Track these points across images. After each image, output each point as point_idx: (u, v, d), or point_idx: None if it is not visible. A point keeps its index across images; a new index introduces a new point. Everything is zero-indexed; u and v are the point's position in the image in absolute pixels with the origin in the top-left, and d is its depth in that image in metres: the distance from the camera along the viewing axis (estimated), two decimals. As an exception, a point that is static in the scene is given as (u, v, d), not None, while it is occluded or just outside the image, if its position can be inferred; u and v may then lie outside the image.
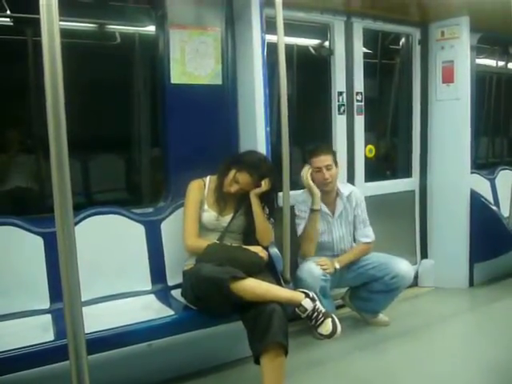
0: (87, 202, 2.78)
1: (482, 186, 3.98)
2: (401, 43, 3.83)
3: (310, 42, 3.45)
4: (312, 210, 2.85)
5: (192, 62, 2.69)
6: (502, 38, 4.04)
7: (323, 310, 2.11)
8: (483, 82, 4.47)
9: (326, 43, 3.38)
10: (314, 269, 2.74)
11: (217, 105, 2.78)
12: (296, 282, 2.70)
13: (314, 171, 2.86)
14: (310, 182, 2.85)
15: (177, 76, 2.66)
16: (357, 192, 3.03)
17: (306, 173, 2.87)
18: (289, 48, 2.76)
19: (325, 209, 2.93)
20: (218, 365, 2.50)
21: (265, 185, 2.44)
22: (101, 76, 2.73)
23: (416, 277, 3.74)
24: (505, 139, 4.90)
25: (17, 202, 2.72)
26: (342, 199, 2.97)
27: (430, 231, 3.84)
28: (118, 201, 2.71)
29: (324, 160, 2.84)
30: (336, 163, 2.91)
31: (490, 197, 3.99)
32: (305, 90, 3.37)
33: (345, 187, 3.02)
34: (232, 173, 2.45)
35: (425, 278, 3.81)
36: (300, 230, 2.90)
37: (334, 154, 2.94)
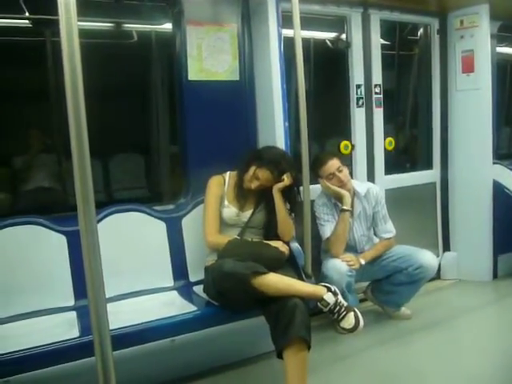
0: (109, 200, 2.81)
1: (504, 176, 3.89)
2: (419, 34, 3.77)
3: (327, 35, 3.42)
4: (343, 211, 2.81)
5: (209, 58, 2.69)
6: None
7: (345, 304, 2.10)
8: (504, 70, 4.37)
9: (343, 36, 3.34)
10: (339, 265, 2.73)
11: (234, 101, 2.78)
12: (321, 279, 2.69)
13: (328, 179, 2.82)
14: (335, 188, 2.81)
15: (194, 73, 2.67)
16: (374, 189, 2.99)
17: (325, 183, 2.83)
18: (305, 42, 2.74)
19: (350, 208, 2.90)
20: (240, 360, 2.51)
21: (287, 179, 2.43)
22: (118, 75, 2.76)
23: (438, 269, 3.68)
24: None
25: (40, 201, 2.76)
26: (360, 198, 2.94)
27: (452, 223, 3.78)
28: (139, 198, 2.73)
29: (333, 164, 2.81)
30: (343, 163, 2.88)
31: (513, 187, 3.91)
32: (322, 84, 3.34)
33: (361, 186, 2.97)
34: (252, 169, 2.45)
35: (447, 270, 3.76)
36: (326, 232, 2.87)
37: (335, 155, 2.92)
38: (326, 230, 2.87)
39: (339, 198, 2.83)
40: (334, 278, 2.66)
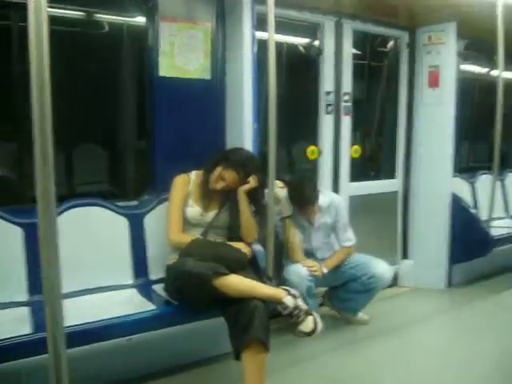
0: (70, 193, 2.74)
1: (463, 189, 4.05)
2: (389, 46, 3.86)
3: (300, 41, 3.45)
4: (282, 218, 2.85)
5: (181, 55, 2.66)
6: (488, 45, 4.10)
7: (305, 308, 2.11)
8: (468, 87, 4.53)
9: (316, 42, 3.39)
10: (300, 270, 2.79)
11: (205, 100, 2.76)
12: (283, 283, 2.71)
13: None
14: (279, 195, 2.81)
15: (165, 69, 2.63)
16: (336, 200, 3.04)
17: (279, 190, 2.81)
18: (278, 46, 2.75)
19: (303, 222, 2.96)
20: (199, 360, 2.50)
21: (253, 181, 2.43)
22: (87, 65, 2.69)
23: (396, 277, 3.79)
24: (486, 144, 4.97)
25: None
26: (322, 211, 2.98)
27: (411, 232, 3.90)
28: (102, 193, 2.67)
29: (312, 212, 2.90)
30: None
31: (470, 200, 4.06)
32: (293, 89, 3.37)
33: (324, 197, 2.99)
34: (218, 170, 2.44)
35: (404, 278, 3.87)
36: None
37: (317, 196, 2.92)
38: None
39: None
40: (294, 281, 2.70)
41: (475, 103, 4.71)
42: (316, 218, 2.98)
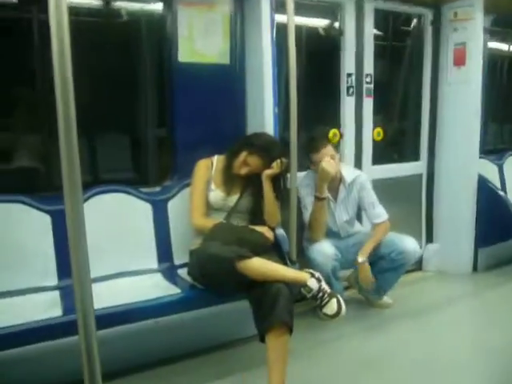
0: (94, 181, 2.79)
1: (489, 171, 3.95)
2: (412, 24, 3.76)
3: (320, 23, 3.40)
4: (317, 198, 2.83)
5: (200, 40, 2.66)
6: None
7: (329, 291, 2.12)
8: (495, 65, 4.40)
9: (336, 24, 3.33)
10: (325, 248, 2.75)
11: (225, 85, 2.75)
12: (307, 262, 2.72)
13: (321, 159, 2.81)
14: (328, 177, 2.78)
15: (185, 54, 2.63)
16: (361, 176, 3.00)
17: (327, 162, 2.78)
18: (298, 28, 2.71)
19: (327, 195, 2.92)
20: (223, 343, 2.53)
21: (277, 166, 2.43)
22: (107, 55, 2.70)
23: (420, 261, 3.75)
24: (514, 125, 4.84)
25: (25, 180, 2.72)
26: (345, 185, 2.96)
27: (436, 216, 3.83)
28: (126, 180, 2.71)
29: (326, 153, 2.81)
30: (336, 149, 2.90)
31: (497, 182, 3.97)
32: (313, 72, 3.32)
33: (349, 173, 2.98)
34: (243, 155, 2.45)
35: (429, 262, 3.82)
36: (306, 217, 2.89)
37: (330, 141, 2.92)
38: (307, 215, 2.88)
39: (322, 180, 2.81)
40: (319, 261, 2.69)
41: (503, 82, 4.58)
42: (339, 191, 2.95)
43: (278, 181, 2.49)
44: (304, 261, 2.74)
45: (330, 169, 2.77)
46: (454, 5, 3.54)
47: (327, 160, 2.78)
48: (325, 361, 2.44)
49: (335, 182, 2.94)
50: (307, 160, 2.90)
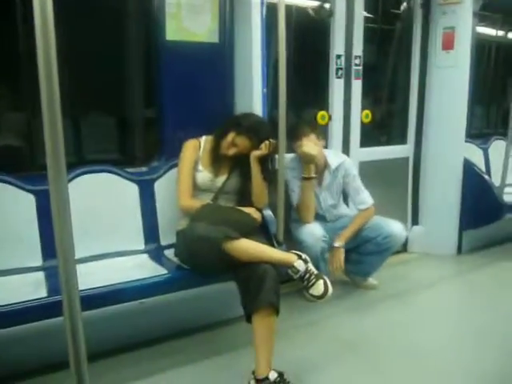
0: (79, 161, 2.74)
1: (475, 155, 3.99)
2: (402, 7, 3.74)
3: (310, 3, 3.35)
4: (304, 178, 2.83)
5: (188, 18, 2.60)
6: (504, 5, 3.95)
7: (315, 272, 2.13)
8: (482, 50, 4.41)
9: (327, 5, 3.28)
10: (314, 230, 2.77)
11: (213, 64, 2.71)
12: (296, 244, 2.73)
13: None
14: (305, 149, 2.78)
15: (172, 32, 2.58)
16: (346, 162, 3.00)
17: (307, 145, 2.78)
18: (288, 8, 2.67)
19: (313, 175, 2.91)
20: (210, 324, 2.55)
21: (265, 147, 2.41)
22: (92, 31, 2.64)
23: (406, 243, 3.80)
24: (500, 110, 4.87)
25: (8, 159, 2.67)
26: (330, 171, 2.96)
27: (422, 198, 3.87)
28: (112, 160, 2.68)
29: (309, 140, 2.81)
30: (320, 137, 2.89)
31: (482, 166, 4.01)
32: (302, 53, 3.29)
33: (334, 158, 2.97)
34: (231, 136, 2.42)
35: (414, 244, 3.88)
36: (295, 199, 2.90)
37: (314, 129, 2.89)
38: (294, 198, 2.89)
39: (306, 162, 2.81)
40: (308, 242, 2.71)
41: (490, 67, 4.59)
42: (324, 177, 2.96)
43: (265, 162, 2.47)
44: (291, 242, 2.75)
45: (311, 151, 2.77)
46: (443, -13, 3.52)
47: (306, 143, 2.78)
48: (311, 341, 2.47)
49: (320, 168, 2.94)
50: (292, 146, 2.88)
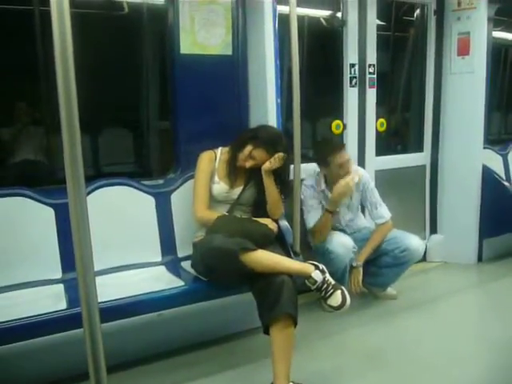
0: (97, 174, 2.78)
1: (494, 161, 3.93)
2: (415, 14, 3.73)
3: (322, 13, 3.37)
4: (328, 211, 2.82)
5: (202, 31, 2.63)
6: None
7: (333, 282, 2.11)
8: (499, 55, 4.36)
9: (339, 14, 3.30)
10: (346, 240, 2.77)
11: (227, 76, 2.73)
12: (318, 254, 2.73)
13: (336, 167, 2.80)
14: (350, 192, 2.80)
15: (186, 46, 2.61)
16: (365, 176, 2.99)
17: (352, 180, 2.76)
18: (300, 19, 2.69)
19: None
20: (227, 335, 2.54)
21: (274, 161, 2.39)
22: (109, 47, 2.69)
23: (425, 252, 3.73)
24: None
25: (28, 173, 2.72)
26: None
27: (440, 206, 3.82)
28: (129, 173, 2.71)
29: (345, 155, 2.83)
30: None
31: (501, 172, 3.95)
32: (316, 62, 3.31)
33: (354, 173, 2.95)
34: (248, 149, 2.42)
35: (434, 252, 3.81)
36: (309, 222, 2.88)
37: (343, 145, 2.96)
38: (310, 219, 2.88)
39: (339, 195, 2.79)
40: (340, 252, 2.71)
41: (507, 72, 4.54)
42: None
43: (282, 173, 2.47)
44: (309, 252, 2.73)
45: (352, 187, 2.77)
46: (457, -6, 3.50)
47: (351, 178, 2.76)
48: (330, 353, 2.44)
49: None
50: (321, 161, 2.88)
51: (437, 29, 3.63)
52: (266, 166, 2.41)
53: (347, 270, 2.75)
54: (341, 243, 2.75)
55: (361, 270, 2.87)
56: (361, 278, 2.87)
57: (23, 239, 2.27)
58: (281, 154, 2.40)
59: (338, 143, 2.91)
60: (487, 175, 3.61)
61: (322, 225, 2.84)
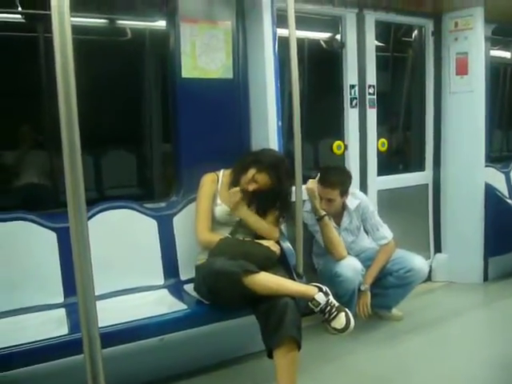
0: (99, 197, 2.79)
1: (497, 179, 3.93)
2: (413, 35, 3.78)
3: (322, 36, 3.42)
4: (317, 220, 2.83)
5: (203, 56, 2.68)
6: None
7: (336, 305, 2.09)
8: (497, 73, 4.40)
9: (338, 36, 3.35)
10: (355, 263, 2.76)
11: (228, 99, 2.77)
12: (324, 277, 2.72)
13: (320, 194, 2.82)
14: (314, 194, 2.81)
15: (187, 70, 2.65)
16: (363, 201, 2.98)
17: (311, 186, 2.81)
18: (300, 41, 2.73)
19: (332, 222, 2.90)
20: (230, 359, 2.50)
21: (245, 183, 2.42)
22: (112, 72, 2.73)
23: (429, 271, 3.70)
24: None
25: (30, 197, 2.74)
26: (349, 212, 2.95)
27: (444, 225, 3.80)
28: (130, 196, 2.72)
29: (327, 193, 2.80)
30: (344, 193, 2.85)
31: (504, 190, 3.94)
32: (316, 84, 3.34)
33: (353, 200, 2.95)
34: (251, 172, 2.43)
35: (438, 272, 3.77)
36: (321, 241, 2.90)
37: (344, 184, 2.84)
38: (321, 242, 2.90)
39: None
40: (349, 275, 2.69)
41: (506, 90, 4.57)
42: (343, 219, 2.95)
43: (280, 195, 2.47)
44: (313, 274, 2.71)
45: (308, 185, 2.80)
46: (454, 15, 3.56)
47: (236, 189, 2.70)
48: (335, 376, 2.40)
49: (338, 210, 2.92)
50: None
51: (435, 49, 3.68)
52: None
53: (355, 294, 2.72)
54: (349, 266, 2.73)
55: (369, 293, 2.85)
56: (369, 301, 2.85)
57: (26, 263, 2.27)
58: (236, 189, 2.42)
59: (328, 180, 2.81)
60: (490, 193, 3.59)
61: (325, 235, 2.82)
